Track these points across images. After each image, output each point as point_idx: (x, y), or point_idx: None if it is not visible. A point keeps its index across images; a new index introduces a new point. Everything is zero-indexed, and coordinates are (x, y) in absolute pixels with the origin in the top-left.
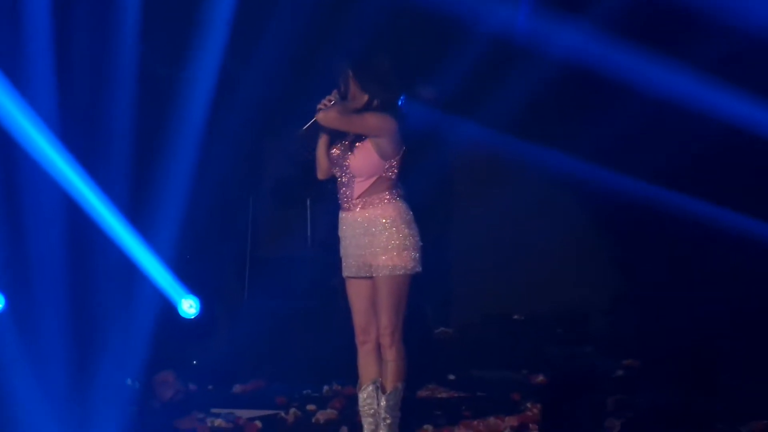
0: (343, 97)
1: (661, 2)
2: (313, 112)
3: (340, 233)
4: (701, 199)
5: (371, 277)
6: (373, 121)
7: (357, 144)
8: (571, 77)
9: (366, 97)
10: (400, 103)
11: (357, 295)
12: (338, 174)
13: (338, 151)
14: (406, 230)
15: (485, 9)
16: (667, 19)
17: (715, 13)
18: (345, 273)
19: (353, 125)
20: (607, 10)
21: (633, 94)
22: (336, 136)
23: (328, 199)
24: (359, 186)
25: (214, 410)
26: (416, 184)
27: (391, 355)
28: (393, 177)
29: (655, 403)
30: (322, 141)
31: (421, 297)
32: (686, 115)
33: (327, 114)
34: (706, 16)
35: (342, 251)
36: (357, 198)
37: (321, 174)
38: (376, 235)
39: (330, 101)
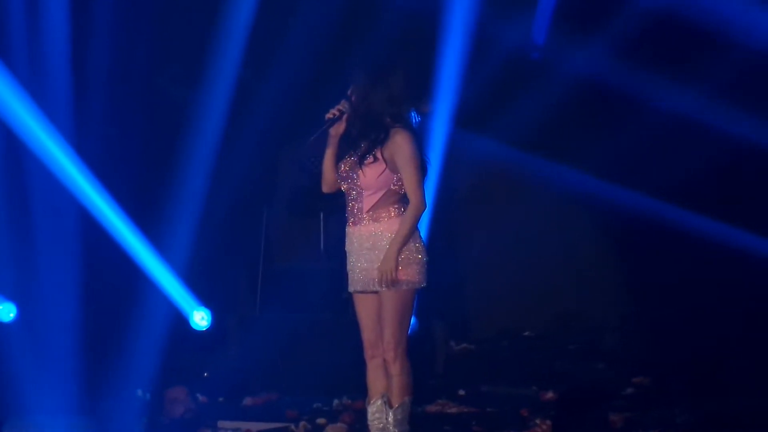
0: (353, 106)
1: (674, 22)
2: (323, 122)
3: (348, 248)
4: (713, 217)
5: (377, 292)
6: (408, 152)
7: (367, 158)
8: (584, 95)
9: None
10: (411, 117)
11: (364, 310)
12: (346, 188)
13: (347, 166)
14: (411, 245)
15: (500, 27)
16: (680, 38)
17: (727, 32)
18: (351, 288)
19: (412, 183)
20: (621, 29)
21: (645, 112)
22: (344, 150)
23: (341, 211)
24: (368, 200)
25: (221, 424)
26: (431, 200)
27: (396, 369)
28: (401, 191)
29: (664, 420)
30: (329, 153)
31: (433, 313)
32: (699, 133)
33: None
34: (718, 36)
35: (349, 266)
36: (366, 212)
37: (326, 187)
38: (381, 249)
39: (339, 111)
